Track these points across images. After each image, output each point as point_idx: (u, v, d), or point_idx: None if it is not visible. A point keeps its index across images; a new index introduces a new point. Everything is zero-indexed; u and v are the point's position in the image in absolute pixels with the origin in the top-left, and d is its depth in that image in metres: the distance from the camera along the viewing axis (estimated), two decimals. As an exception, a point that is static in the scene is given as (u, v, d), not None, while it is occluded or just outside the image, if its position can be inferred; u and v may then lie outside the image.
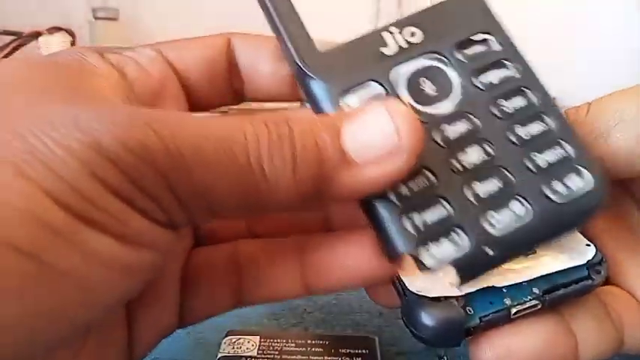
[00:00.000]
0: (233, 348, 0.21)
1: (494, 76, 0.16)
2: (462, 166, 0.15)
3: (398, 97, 0.16)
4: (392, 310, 0.26)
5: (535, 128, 0.16)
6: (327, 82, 0.16)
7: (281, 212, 0.18)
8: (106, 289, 0.13)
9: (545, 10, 0.96)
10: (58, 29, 0.74)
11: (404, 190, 0.15)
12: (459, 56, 0.17)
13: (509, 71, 0.16)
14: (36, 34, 0.74)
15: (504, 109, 0.16)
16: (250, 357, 0.21)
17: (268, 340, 0.22)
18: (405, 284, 0.16)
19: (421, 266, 0.15)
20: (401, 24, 0.17)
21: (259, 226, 0.20)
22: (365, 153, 0.14)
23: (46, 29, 0.74)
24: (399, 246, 0.15)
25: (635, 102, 0.17)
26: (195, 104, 0.20)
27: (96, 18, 0.82)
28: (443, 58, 0.17)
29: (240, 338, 0.22)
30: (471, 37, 0.17)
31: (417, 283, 0.16)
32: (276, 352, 0.21)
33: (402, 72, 0.16)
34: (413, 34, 0.17)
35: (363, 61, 0.16)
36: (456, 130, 0.16)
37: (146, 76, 0.18)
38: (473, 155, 0.16)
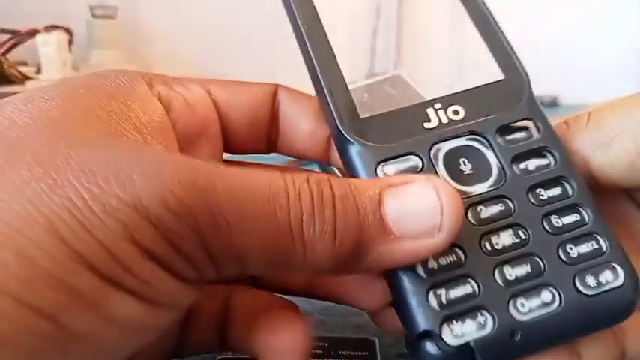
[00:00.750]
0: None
1: (532, 164, 0.16)
2: (494, 248, 0.15)
3: (436, 172, 0.16)
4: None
5: (570, 219, 0.16)
6: (366, 150, 0.16)
7: (311, 275, 0.18)
8: (121, 347, 0.13)
9: (545, 9, 0.96)
10: (56, 27, 0.74)
11: (432, 264, 0.15)
12: (500, 141, 0.17)
13: (547, 160, 0.16)
14: (33, 32, 0.73)
15: (541, 197, 0.16)
16: (249, 358, 0.21)
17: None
18: None
19: (440, 343, 0.14)
20: (446, 102, 0.17)
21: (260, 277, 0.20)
22: (406, 227, 0.14)
23: (43, 27, 0.73)
24: (421, 322, 0.14)
25: (636, 113, 0.17)
26: (229, 147, 0.20)
27: (94, 16, 0.82)
28: (483, 140, 0.17)
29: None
30: (513, 124, 0.17)
31: None
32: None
33: (443, 149, 0.16)
34: (456, 113, 0.17)
35: (404, 132, 0.16)
36: (490, 211, 0.16)
37: (191, 114, 0.18)
38: (506, 238, 0.15)
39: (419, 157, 0.16)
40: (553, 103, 0.98)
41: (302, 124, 0.20)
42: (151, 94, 0.17)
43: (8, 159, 0.13)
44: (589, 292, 0.15)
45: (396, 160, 0.16)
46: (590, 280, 0.15)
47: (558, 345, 0.15)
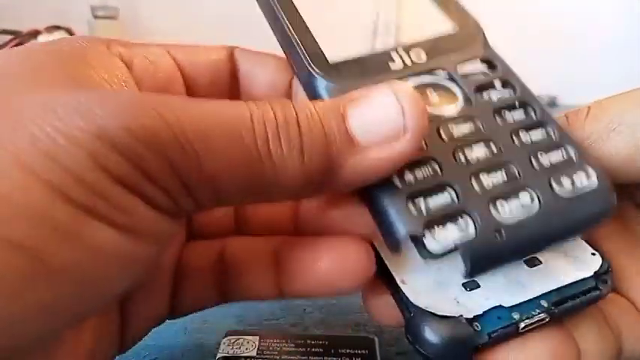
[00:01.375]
0: (232, 348, 0.21)
1: (495, 94, 0.17)
2: (467, 160, 0.16)
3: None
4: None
5: (537, 134, 0.17)
6: (335, 88, 0.17)
7: (287, 199, 0.18)
8: (106, 282, 0.13)
9: (545, 10, 0.96)
10: (57, 28, 0.74)
11: (409, 176, 0.15)
12: (461, 75, 0.18)
13: (508, 90, 0.18)
14: (35, 33, 0.73)
15: (507, 118, 0.17)
16: (249, 357, 0.21)
17: (267, 341, 0.22)
18: (409, 299, 0.16)
19: (424, 252, 0.14)
20: (409, 47, 0.18)
21: (248, 223, 0.20)
22: (371, 135, 0.14)
23: (44, 28, 0.73)
24: (401, 229, 0.14)
25: (635, 107, 0.17)
26: None
27: (95, 17, 0.82)
28: (446, 75, 0.18)
29: (239, 338, 0.22)
30: (471, 61, 0.18)
31: (422, 299, 0.16)
32: (276, 353, 0.21)
33: (409, 83, 0.17)
34: (419, 56, 0.18)
35: (370, 72, 0.17)
36: (461, 129, 0.16)
37: (154, 71, 0.18)
38: (479, 151, 0.16)
39: None
40: (552, 103, 0.98)
41: (261, 77, 0.20)
42: (110, 52, 0.17)
43: None
44: (566, 195, 0.15)
45: None
46: (566, 182, 0.15)
47: (542, 248, 0.16)
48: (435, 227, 0.14)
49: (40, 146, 0.12)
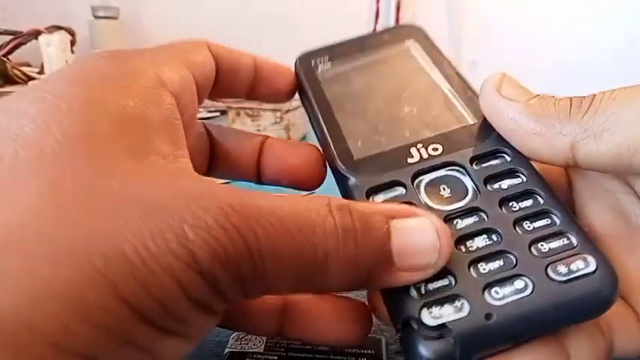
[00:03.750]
0: (240, 344, 0.22)
1: (504, 183, 0.18)
2: (468, 249, 0.17)
3: (418, 198, 0.18)
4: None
5: (541, 222, 0.17)
6: (359, 182, 0.19)
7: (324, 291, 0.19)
8: None
9: (545, 10, 0.97)
10: (58, 28, 0.74)
11: None
12: (474, 167, 0.19)
13: (517, 179, 0.18)
14: (36, 33, 0.74)
15: (513, 208, 0.18)
16: (256, 353, 0.21)
17: (275, 337, 0.22)
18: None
19: (422, 329, 0.15)
20: (426, 142, 0.20)
21: None
22: (407, 262, 0.15)
23: (45, 28, 0.74)
24: (403, 311, 0.16)
25: (632, 105, 0.17)
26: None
27: (96, 17, 0.82)
28: (460, 169, 0.19)
29: (247, 335, 0.22)
30: (484, 153, 0.19)
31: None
32: (282, 350, 0.21)
33: (424, 180, 0.19)
34: (435, 149, 0.20)
35: (391, 167, 0.19)
36: (465, 222, 0.17)
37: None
38: (479, 242, 0.17)
39: (403, 185, 0.19)
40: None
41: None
42: (160, 87, 0.17)
43: (42, 195, 0.13)
44: (560, 279, 0.15)
45: (384, 188, 0.19)
46: (562, 268, 0.16)
47: (538, 335, 0.16)
48: (433, 306, 0.15)
49: (135, 274, 0.12)
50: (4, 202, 0.12)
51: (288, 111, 0.61)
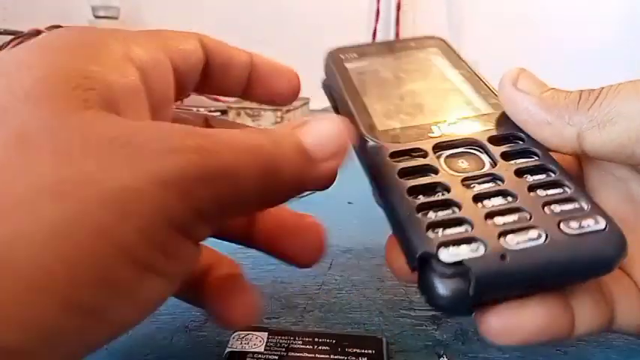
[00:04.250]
0: (241, 343, 0.22)
1: (519, 161, 0.19)
2: (484, 205, 0.18)
3: (438, 164, 0.19)
4: (392, 308, 0.26)
5: (554, 191, 0.18)
6: (381, 148, 0.20)
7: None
8: (138, 321, 0.14)
9: (545, 10, 0.97)
10: (59, 28, 0.74)
11: (431, 214, 0.17)
12: (491, 147, 0.20)
13: (531, 157, 0.20)
14: (36, 33, 0.73)
15: (527, 178, 0.19)
16: (257, 353, 0.21)
17: (276, 337, 0.22)
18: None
19: (439, 267, 0.16)
20: (448, 122, 0.21)
21: None
22: (320, 151, 0.17)
23: (45, 28, 0.73)
24: (420, 246, 0.16)
25: (636, 98, 0.18)
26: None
27: (96, 17, 0.82)
28: (478, 147, 0.20)
29: (248, 334, 0.22)
30: (501, 135, 0.21)
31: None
32: (283, 349, 0.22)
33: (444, 154, 0.20)
34: (456, 129, 0.21)
35: (413, 138, 0.21)
36: (482, 185, 0.19)
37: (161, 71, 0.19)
38: (496, 200, 0.18)
39: (424, 152, 0.20)
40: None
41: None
42: (125, 59, 0.17)
43: (16, 149, 0.13)
44: (572, 232, 0.16)
45: (406, 154, 0.20)
46: (574, 224, 0.17)
47: (548, 286, 0.17)
48: (450, 246, 0.16)
49: (116, 208, 0.12)
50: None
51: (288, 111, 0.61)
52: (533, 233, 0.16)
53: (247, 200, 0.16)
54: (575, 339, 0.18)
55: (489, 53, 1.05)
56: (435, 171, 0.19)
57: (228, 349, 0.22)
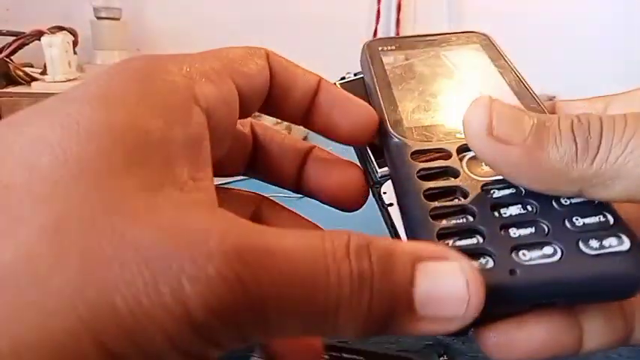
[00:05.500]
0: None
1: None
2: (501, 215, 0.17)
3: (460, 165, 0.19)
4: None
5: (578, 199, 0.17)
6: (407, 143, 0.20)
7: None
8: None
9: (545, 9, 0.97)
10: (61, 29, 0.74)
11: (445, 222, 0.17)
12: None
13: None
14: (38, 34, 0.74)
15: None
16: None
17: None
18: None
19: None
20: None
21: None
22: (431, 311, 0.14)
23: (48, 29, 0.74)
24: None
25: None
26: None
27: (98, 17, 0.82)
28: None
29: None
30: None
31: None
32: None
33: (468, 154, 0.19)
34: None
35: (438, 137, 0.20)
36: (502, 192, 0.17)
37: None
38: (514, 210, 0.17)
39: (447, 153, 0.19)
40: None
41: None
42: (192, 103, 0.16)
43: (41, 240, 0.12)
44: (590, 252, 0.15)
45: (429, 152, 0.19)
46: (594, 243, 0.15)
47: (557, 303, 0.16)
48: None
49: (122, 325, 0.12)
50: (4, 236, 0.12)
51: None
52: (548, 249, 0.15)
53: (285, 333, 0.14)
54: (584, 355, 0.17)
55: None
56: (456, 174, 0.18)
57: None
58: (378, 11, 0.96)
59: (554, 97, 0.99)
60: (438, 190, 0.18)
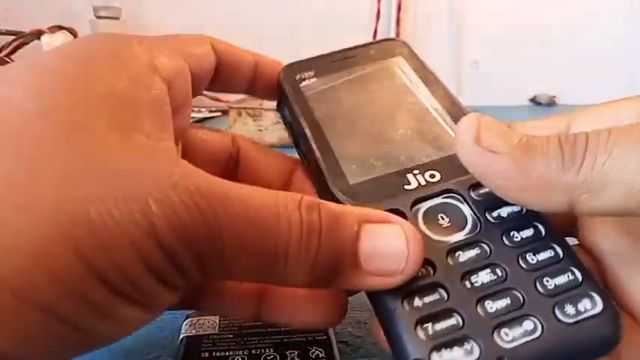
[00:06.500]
0: (194, 328, 0.22)
1: (504, 211, 0.18)
2: (474, 285, 0.16)
3: (417, 224, 0.18)
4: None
5: (544, 255, 0.17)
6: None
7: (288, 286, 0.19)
8: (115, 339, 0.15)
9: (544, 10, 0.96)
10: (60, 28, 0.75)
11: (418, 302, 0.16)
12: (473, 195, 0.19)
13: (517, 207, 0.18)
14: (38, 33, 0.74)
15: (515, 239, 0.17)
16: (212, 334, 0.21)
17: (227, 319, 0.22)
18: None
19: None
20: (423, 168, 0.19)
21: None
22: (373, 265, 0.16)
23: (47, 28, 0.74)
24: (411, 352, 0.15)
25: (631, 157, 0.15)
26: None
27: (98, 17, 0.83)
28: (458, 197, 0.19)
29: (200, 319, 0.22)
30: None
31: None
32: (236, 328, 0.21)
33: (422, 207, 0.18)
34: (433, 176, 0.19)
35: (387, 193, 0.19)
36: (468, 254, 0.17)
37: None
38: (484, 277, 0.17)
39: (402, 214, 0.18)
40: (551, 103, 0.97)
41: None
42: (152, 70, 0.18)
43: (25, 160, 0.13)
44: (569, 320, 0.15)
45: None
46: (570, 309, 0.16)
47: None
48: (443, 349, 0.15)
49: (97, 238, 0.13)
50: None
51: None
52: (528, 324, 0.16)
53: (240, 272, 0.15)
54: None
55: (490, 53, 1.05)
56: None
57: (182, 335, 0.21)
58: (378, 11, 0.96)
59: (554, 97, 0.98)
60: None
